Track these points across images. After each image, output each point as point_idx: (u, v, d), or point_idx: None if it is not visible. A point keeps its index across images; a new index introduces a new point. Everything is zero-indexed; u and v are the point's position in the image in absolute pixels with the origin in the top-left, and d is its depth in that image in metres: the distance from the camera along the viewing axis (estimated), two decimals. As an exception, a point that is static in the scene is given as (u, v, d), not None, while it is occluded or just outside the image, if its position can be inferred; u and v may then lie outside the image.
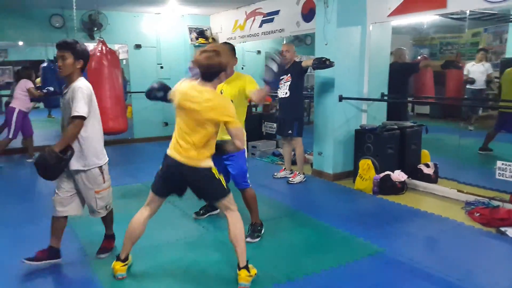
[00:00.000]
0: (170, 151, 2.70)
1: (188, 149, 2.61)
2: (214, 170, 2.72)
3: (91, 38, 7.44)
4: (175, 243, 3.46)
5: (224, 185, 2.76)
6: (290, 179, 5.35)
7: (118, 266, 2.81)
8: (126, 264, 2.84)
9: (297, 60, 5.41)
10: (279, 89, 5.30)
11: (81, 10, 7.14)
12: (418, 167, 5.20)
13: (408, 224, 3.96)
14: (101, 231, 3.27)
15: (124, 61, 8.80)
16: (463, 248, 3.42)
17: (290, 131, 5.31)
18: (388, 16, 5.11)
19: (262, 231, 3.59)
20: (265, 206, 4.55)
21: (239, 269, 2.76)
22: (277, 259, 3.18)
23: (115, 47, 10.92)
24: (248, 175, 3.48)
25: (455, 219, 3.97)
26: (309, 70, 5.50)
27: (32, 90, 6.34)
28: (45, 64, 8.78)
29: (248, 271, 2.75)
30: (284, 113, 5.40)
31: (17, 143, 7.01)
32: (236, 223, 2.77)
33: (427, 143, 5.68)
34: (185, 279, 2.89)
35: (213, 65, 2.59)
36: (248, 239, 3.34)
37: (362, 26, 5.35)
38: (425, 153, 5.49)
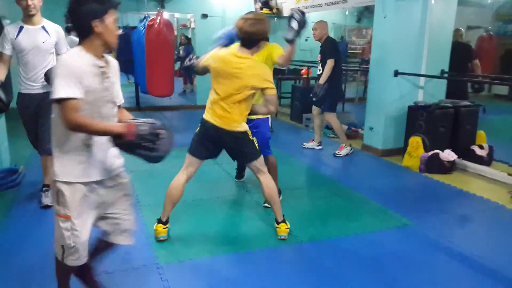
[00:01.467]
0: (207, 116, 2.92)
1: (224, 113, 2.84)
2: (249, 133, 2.96)
3: (162, 7, 7.88)
4: (216, 200, 3.81)
5: (257, 147, 3.00)
6: (336, 152, 5.45)
7: (160, 229, 2.98)
8: (166, 227, 3.01)
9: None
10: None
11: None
12: (471, 148, 5.07)
13: (446, 203, 3.98)
14: (153, 183, 3.70)
15: (190, 31, 9.20)
16: (494, 228, 3.42)
17: (322, 106, 5.40)
18: (452, -11, 4.93)
19: (280, 198, 3.72)
20: (305, 175, 4.81)
21: (278, 223, 3.09)
22: (305, 222, 3.42)
23: (188, 16, 11.45)
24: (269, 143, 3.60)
25: (497, 202, 3.92)
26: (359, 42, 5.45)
27: None
28: (120, 32, 9.43)
29: (286, 224, 3.09)
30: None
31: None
32: (268, 183, 3.03)
33: (489, 124, 5.49)
34: (220, 229, 3.24)
35: (257, 32, 2.76)
36: (266, 205, 3.55)
37: (423, 0, 5.20)
38: (481, 134, 5.32)
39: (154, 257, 2.77)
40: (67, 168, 1.87)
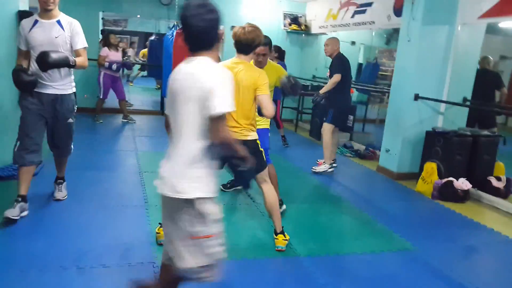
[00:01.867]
0: None
1: (234, 124, 2.92)
2: (258, 143, 3.02)
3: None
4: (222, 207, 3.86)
5: (264, 158, 3.06)
6: (313, 167, 5.37)
7: (162, 232, 3.03)
8: None
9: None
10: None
11: (187, -11, 7.77)
12: (487, 178, 4.97)
13: (454, 231, 3.91)
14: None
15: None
16: (500, 262, 3.35)
17: (324, 118, 5.44)
18: (479, 18, 4.88)
19: (283, 207, 3.77)
20: (315, 191, 4.81)
21: (276, 234, 3.12)
22: (306, 236, 3.42)
23: (220, 27, 11.64)
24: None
25: (508, 236, 3.82)
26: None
27: (99, 59, 6.98)
28: (152, 38, 9.71)
29: (284, 236, 3.12)
30: (326, 102, 5.34)
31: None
32: (270, 193, 3.09)
33: (509, 156, 5.37)
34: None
35: (253, 39, 2.91)
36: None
37: (449, 25, 5.17)
38: (499, 165, 5.21)
39: (152, 256, 2.84)
40: (210, 185, 1.80)
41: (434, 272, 3.04)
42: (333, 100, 5.17)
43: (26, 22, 3.16)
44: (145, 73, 13.54)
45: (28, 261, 2.64)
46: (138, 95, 11.75)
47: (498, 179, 4.97)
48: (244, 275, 2.75)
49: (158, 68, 7.78)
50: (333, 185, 5.00)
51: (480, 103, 5.85)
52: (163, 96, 7.65)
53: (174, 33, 6.74)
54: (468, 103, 5.65)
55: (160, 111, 8.50)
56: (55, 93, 3.25)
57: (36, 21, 3.16)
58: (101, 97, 7.22)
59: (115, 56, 7.04)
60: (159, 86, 12.83)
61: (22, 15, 3.90)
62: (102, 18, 8.40)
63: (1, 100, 4.01)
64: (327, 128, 5.34)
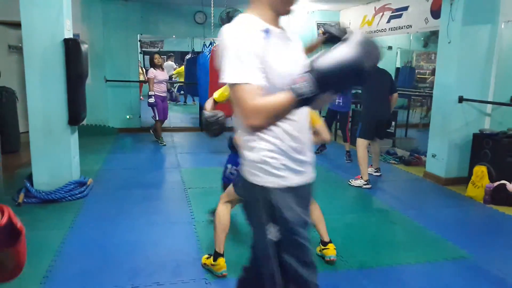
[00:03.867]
0: None
1: None
2: None
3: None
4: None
5: None
6: (350, 180, 5.19)
7: (222, 262, 2.84)
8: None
9: None
10: None
11: (220, 7, 7.92)
12: (544, 180, 4.73)
13: (510, 237, 3.73)
14: (207, 200, 3.84)
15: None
16: None
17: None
18: (524, 14, 4.71)
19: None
20: (362, 200, 4.72)
21: (325, 244, 3.07)
22: (356, 248, 3.36)
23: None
24: None
25: None
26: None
27: (149, 81, 6.88)
28: (188, 56, 9.93)
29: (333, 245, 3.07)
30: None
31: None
32: (315, 204, 3.02)
33: None
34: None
35: None
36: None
37: (492, 24, 5.01)
38: (555, 166, 4.94)
39: (203, 272, 2.87)
40: None
41: (493, 281, 2.90)
42: (360, 113, 5.14)
43: None
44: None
45: (84, 281, 2.73)
46: (177, 112, 12.04)
47: (554, 180, 4.72)
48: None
49: (194, 85, 7.93)
50: (379, 194, 4.89)
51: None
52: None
53: (210, 51, 6.92)
54: (516, 102, 5.41)
55: (200, 127, 8.66)
56: None
57: None
58: (157, 118, 7.10)
59: (161, 75, 7.05)
60: (195, 102, 13.10)
61: (68, 42, 4.11)
62: (140, 41, 8.68)
63: (54, 122, 4.20)
64: (359, 143, 5.16)
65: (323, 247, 3.10)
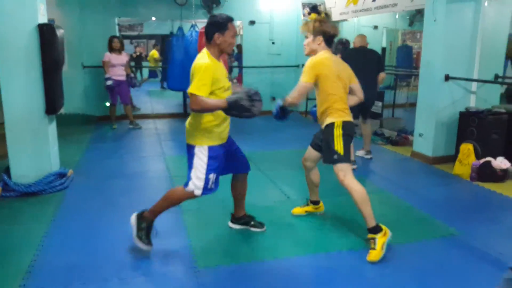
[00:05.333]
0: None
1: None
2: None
3: (210, 14, 8.04)
4: (257, 205, 3.78)
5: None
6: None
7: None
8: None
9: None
10: None
11: (202, -12, 7.71)
12: (528, 156, 4.76)
13: (497, 213, 3.74)
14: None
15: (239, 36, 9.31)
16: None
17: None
18: (508, -10, 4.67)
19: (321, 210, 3.65)
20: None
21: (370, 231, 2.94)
22: (347, 229, 3.32)
23: (237, 23, 11.59)
24: None
25: (557, 214, 3.64)
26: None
27: (103, 65, 6.97)
28: (169, 39, 9.67)
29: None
30: None
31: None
32: (355, 187, 2.98)
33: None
34: (259, 235, 3.22)
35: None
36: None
37: (475, 3, 4.97)
38: (539, 141, 4.98)
39: (192, 261, 2.79)
40: None
41: (482, 256, 2.91)
42: None
43: None
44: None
45: (70, 275, 2.63)
46: (158, 98, 11.85)
47: (538, 155, 4.75)
48: (288, 274, 2.67)
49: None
50: (369, 175, 4.86)
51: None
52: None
53: (194, 34, 6.74)
54: (499, 80, 5.42)
55: (184, 113, 8.50)
56: None
57: None
58: (111, 102, 7.21)
59: (116, 59, 6.95)
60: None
61: (42, 28, 3.91)
62: (118, 24, 8.40)
63: (30, 112, 4.03)
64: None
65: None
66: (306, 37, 3.08)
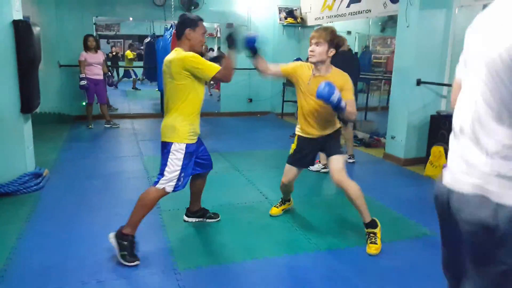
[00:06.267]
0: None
1: None
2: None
3: (188, 16, 8.02)
4: (236, 205, 3.84)
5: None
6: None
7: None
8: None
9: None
10: None
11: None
12: (496, 158, 4.96)
13: (469, 214, 3.89)
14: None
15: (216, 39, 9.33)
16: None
17: None
18: (477, -1, 4.86)
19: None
20: (325, 183, 4.77)
21: (367, 226, 3.10)
22: (324, 230, 3.40)
23: (214, 25, 11.59)
24: None
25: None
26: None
27: (79, 64, 6.91)
28: (147, 40, 9.63)
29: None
30: None
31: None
32: (352, 187, 3.10)
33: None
34: (237, 236, 3.26)
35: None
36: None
37: (447, 9, 5.15)
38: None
39: (172, 263, 2.81)
40: None
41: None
42: None
43: None
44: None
45: (46, 278, 2.59)
46: (136, 98, 11.76)
47: (506, 158, 4.96)
48: (268, 274, 2.72)
49: (154, 70, 7.72)
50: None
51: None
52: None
53: (172, 34, 6.72)
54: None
55: (162, 113, 8.44)
56: None
57: None
58: (87, 101, 7.15)
59: (92, 58, 6.90)
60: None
61: (17, 25, 3.84)
62: (95, 23, 8.29)
63: (4, 110, 3.95)
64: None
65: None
66: (317, 44, 2.98)
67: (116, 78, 13.97)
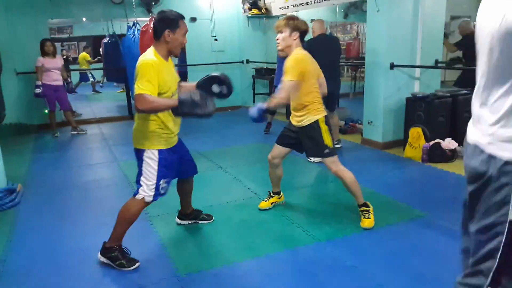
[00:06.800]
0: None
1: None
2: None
3: (149, 12, 7.78)
4: (226, 205, 3.74)
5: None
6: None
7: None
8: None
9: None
10: None
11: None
12: (470, 135, 5.09)
13: (454, 191, 3.96)
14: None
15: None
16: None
17: None
18: (443, -21, 4.94)
19: (283, 200, 3.70)
20: (311, 172, 4.75)
21: (360, 206, 3.30)
22: (319, 220, 3.37)
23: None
24: None
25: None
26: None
27: (36, 70, 6.58)
28: (106, 40, 9.28)
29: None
30: None
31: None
32: (345, 174, 3.25)
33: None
34: (234, 235, 3.17)
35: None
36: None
37: (415, -8, 5.22)
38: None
39: (173, 269, 2.69)
40: None
41: (452, 235, 3.04)
42: None
43: None
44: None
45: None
46: (99, 102, 11.37)
47: (479, 134, 5.10)
48: (273, 271, 2.66)
49: (116, 71, 7.45)
50: (322, 165, 4.94)
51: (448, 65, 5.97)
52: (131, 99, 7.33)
53: (136, 32, 6.49)
54: (439, 65, 5.75)
55: (130, 116, 8.19)
56: None
57: None
58: (48, 109, 6.85)
59: (50, 63, 6.58)
60: (123, 89, 12.43)
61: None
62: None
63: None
64: None
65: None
66: (280, 32, 3.10)
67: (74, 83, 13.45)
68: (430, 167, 4.68)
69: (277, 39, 3.13)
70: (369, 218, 3.20)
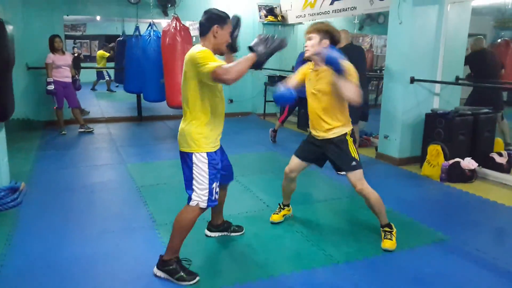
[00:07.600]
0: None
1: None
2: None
3: (165, 14, 7.66)
4: (237, 216, 3.57)
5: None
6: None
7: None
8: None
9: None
10: None
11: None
12: (490, 155, 4.92)
13: (475, 214, 3.79)
14: (167, 199, 3.46)
15: (194, 38, 9.00)
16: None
17: None
18: (469, -5, 4.79)
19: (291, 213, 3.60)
20: (325, 186, 4.58)
21: (382, 227, 3.15)
22: (336, 238, 3.19)
23: (187, 23, 11.21)
24: None
25: (530, 213, 3.74)
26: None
27: (46, 67, 6.49)
28: (121, 39, 9.18)
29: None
30: None
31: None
32: (369, 193, 3.08)
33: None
34: (247, 250, 3.00)
35: None
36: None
37: (439, 5, 5.06)
38: (498, 141, 5.21)
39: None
40: None
41: (478, 262, 2.87)
42: None
43: None
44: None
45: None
46: (109, 101, 11.28)
47: (500, 154, 4.95)
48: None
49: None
50: (338, 179, 4.78)
51: (469, 81, 5.82)
52: (149, 100, 7.15)
53: (152, 33, 6.38)
54: (460, 81, 5.59)
55: (138, 117, 8.06)
56: None
57: None
58: (56, 106, 6.72)
59: (60, 60, 6.49)
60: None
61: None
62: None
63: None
64: None
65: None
66: (309, 38, 2.96)
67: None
68: (449, 187, 4.49)
69: (306, 46, 2.99)
70: (391, 240, 3.03)
